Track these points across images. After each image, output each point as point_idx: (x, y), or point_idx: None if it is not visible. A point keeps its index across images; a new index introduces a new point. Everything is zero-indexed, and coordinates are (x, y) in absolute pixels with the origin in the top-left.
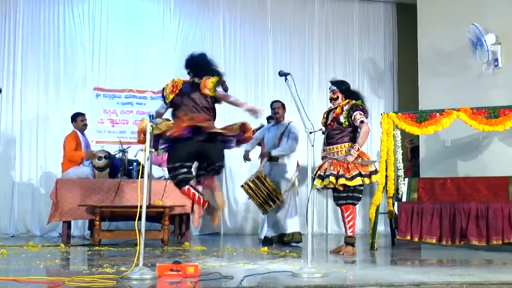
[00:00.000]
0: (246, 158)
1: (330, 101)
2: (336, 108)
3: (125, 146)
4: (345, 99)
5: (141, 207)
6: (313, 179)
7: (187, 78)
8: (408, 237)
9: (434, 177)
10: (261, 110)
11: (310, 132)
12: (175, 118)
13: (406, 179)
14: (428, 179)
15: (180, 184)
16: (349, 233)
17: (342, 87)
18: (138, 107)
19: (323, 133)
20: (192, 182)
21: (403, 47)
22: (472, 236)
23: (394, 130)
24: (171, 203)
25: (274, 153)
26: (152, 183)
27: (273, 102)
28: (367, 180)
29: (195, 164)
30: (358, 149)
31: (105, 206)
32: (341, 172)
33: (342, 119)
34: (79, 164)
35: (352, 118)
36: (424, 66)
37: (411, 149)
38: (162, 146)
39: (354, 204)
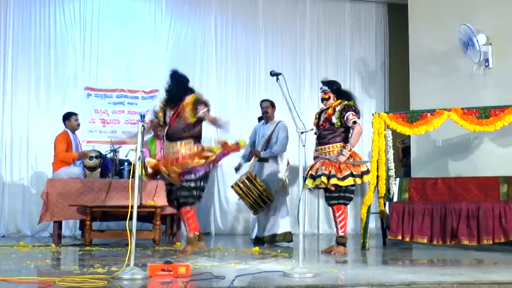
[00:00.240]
0: (238, 169)
1: (322, 101)
2: (328, 108)
3: (116, 146)
4: (337, 100)
5: (132, 207)
6: (304, 179)
7: None
8: (399, 237)
9: (425, 177)
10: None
11: (302, 132)
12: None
13: (398, 179)
14: (420, 179)
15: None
16: (341, 233)
17: (333, 87)
18: (129, 107)
19: (315, 133)
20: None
21: (394, 47)
22: (463, 236)
23: (385, 130)
24: (163, 203)
25: (263, 154)
26: (143, 183)
27: (262, 101)
28: (358, 181)
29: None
30: (350, 149)
31: (96, 206)
32: (333, 172)
33: (334, 119)
34: (70, 164)
35: (345, 119)
36: (415, 66)
37: (402, 149)
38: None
39: (346, 204)
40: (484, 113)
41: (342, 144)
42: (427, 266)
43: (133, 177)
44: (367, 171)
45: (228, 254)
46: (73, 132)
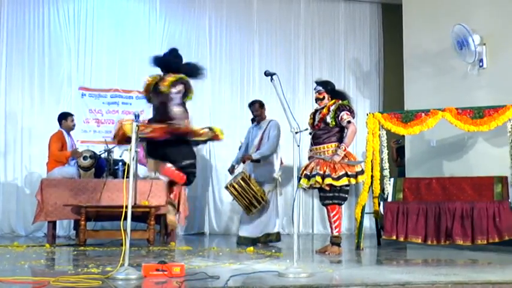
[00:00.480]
0: (231, 171)
1: (316, 102)
2: (323, 108)
3: (110, 146)
4: (331, 100)
5: (126, 207)
6: (299, 179)
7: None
8: (394, 237)
9: (419, 177)
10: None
11: (296, 132)
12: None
13: (392, 179)
14: (414, 179)
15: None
16: (335, 233)
17: (327, 87)
18: (123, 107)
19: (310, 133)
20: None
21: (388, 47)
22: (457, 235)
23: (379, 130)
24: (157, 203)
25: (254, 156)
26: (138, 183)
27: (250, 104)
28: (353, 181)
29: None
30: (345, 149)
31: (90, 206)
32: (327, 172)
33: (328, 119)
34: (64, 164)
35: (339, 118)
36: (410, 66)
37: (397, 149)
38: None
39: (340, 204)
40: (478, 113)
41: (336, 144)
42: (421, 266)
43: (127, 177)
44: (362, 171)
45: (223, 254)
46: (68, 133)
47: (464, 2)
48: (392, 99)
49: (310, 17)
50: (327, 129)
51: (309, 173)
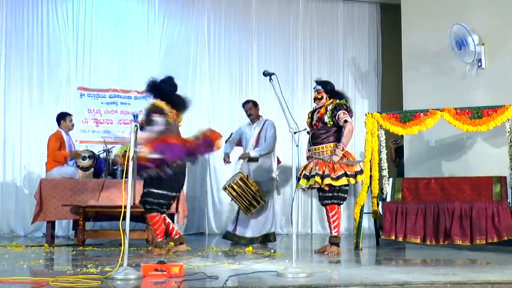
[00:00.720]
0: (226, 160)
1: (314, 101)
2: (321, 108)
3: (109, 146)
4: (329, 99)
5: (125, 207)
6: (298, 179)
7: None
8: (393, 237)
9: (418, 177)
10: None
11: (295, 132)
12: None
13: (391, 179)
14: (413, 179)
15: (154, 211)
16: (334, 233)
17: (326, 87)
18: (122, 107)
19: (308, 133)
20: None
21: (387, 47)
22: (456, 235)
23: (378, 130)
24: None
25: (253, 154)
26: (137, 183)
27: (244, 104)
28: (352, 180)
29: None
30: (343, 148)
31: (89, 206)
32: (326, 172)
33: (326, 118)
34: (63, 164)
35: (336, 118)
36: (408, 66)
37: (395, 149)
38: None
39: (339, 204)
40: (477, 113)
41: (335, 144)
42: (420, 266)
43: (126, 177)
44: (361, 171)
45: (222, 254)
46: (67, 133)
47: (463, 2)
48: (391, 99)
49: (308, 17)
50: (325, 129)
51: (308, 174)
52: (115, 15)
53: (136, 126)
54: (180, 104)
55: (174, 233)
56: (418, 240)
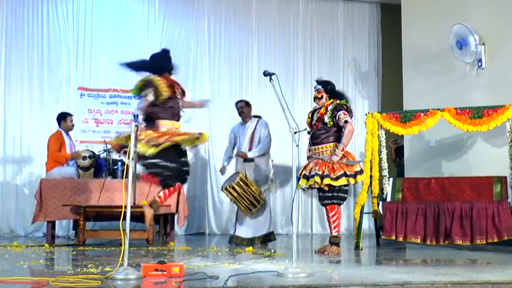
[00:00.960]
0: (223, 171)
1: (314, 100)
2: (321, 108)
3: (109, 146)
4: (329, 99)
5: (125, 207)
6: (298, 179)
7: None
8: (393, 237)
9: (418, 177)
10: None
11: (295, 132)
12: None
13: (391, 179)
14: (413, 179)
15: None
16: (334, 233)
17: (327, 87)
18: (122, 107)
19: (308, 133)
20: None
21: (387, 47)
22: (456, 235)
23: (378, 130)
24: None
25: (250, 155)
26: (137, 183)
27: (237, 103)
28: (352, 180)
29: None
30: (343, 148)
31: (89, 206)
32: (326, 172)
33: (326, 119)
34: (63, 164)
35: (337, 118)
36: (409, 66)
37: (396, 149)
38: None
39: (339, 204)
40: (477, 113)
41: (335, 144)
42: (420, 266)
43: (126, 177)
44: (361, 171)
45: (222, 254)
46: (67, 133)
47: (463, 2)
48: (391, 99)
49: (309, 16)
50: (325, 129)
51: (307, 174)
52: (115, 15)
53: (136, 126)
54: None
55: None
56: (419, 240)
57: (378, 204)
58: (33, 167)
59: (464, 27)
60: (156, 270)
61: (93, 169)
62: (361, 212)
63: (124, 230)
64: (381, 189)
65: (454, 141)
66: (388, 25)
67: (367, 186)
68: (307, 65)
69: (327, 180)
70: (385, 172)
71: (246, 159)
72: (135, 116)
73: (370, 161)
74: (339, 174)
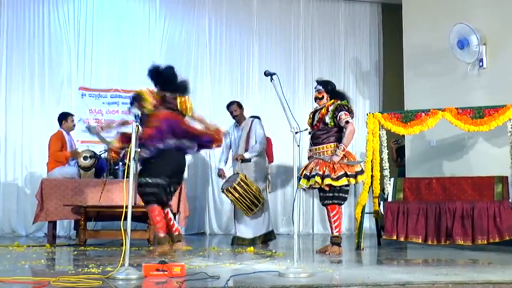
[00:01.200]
0: (222, 175)
1: (315, 101)
2: (322, 108)
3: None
4: (330, 100)
5: (126, 207)
6: (299, 179)
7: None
8: (394, 237)
9: (419, 177)
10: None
11: (296, 132)
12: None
13: (392, 179)
14: (414, 178)
15: (152, 202)
16: (335, 233)
17: (327, 87)
18: (123, 107)
19: (309, 133)
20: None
21: (388, 47)
22: (458, 235)
23: (379, 130)
24: None
25: (247, 156)
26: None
27: (229, 105)
28: (353, 181)
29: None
30: (344, 149)
31: (90, 206)
32: (327, 172)
33: (327, 119)
34: (64, 164)
35: (338, 118)
36: (410, 66)
37: (397, 149)
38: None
39: (340, 204)
40: (478, 113)
41: (336, 144)
42: (421, 266)
43: (127, 177)
44: (362, 171)
45: (223, 254)
46: (68, 133)
47: (464, 2)
48: (392, 99)
49: (310, 17)
50: (326, 130)
51: (308, 174)
52: (116, 15)
53: (137, 126)
54: (181, 88)
55: (174, 229)
56: (420, 240)
57: (379, 204)
58: (34, 167)
59: (466, 27)
60: (157, 270)
61: (94, 169)
62: (362, 212)
63: (125, 230)
64: (382, 189)
65: (455, 141)
66: (389, 25)
67: (368, 186)
68: (308, 65)
69: (327, 181)
70: (386, 172)
71: (244, 160)
72: (136, 116)
73: (371, 161)
74: (339, 174)
